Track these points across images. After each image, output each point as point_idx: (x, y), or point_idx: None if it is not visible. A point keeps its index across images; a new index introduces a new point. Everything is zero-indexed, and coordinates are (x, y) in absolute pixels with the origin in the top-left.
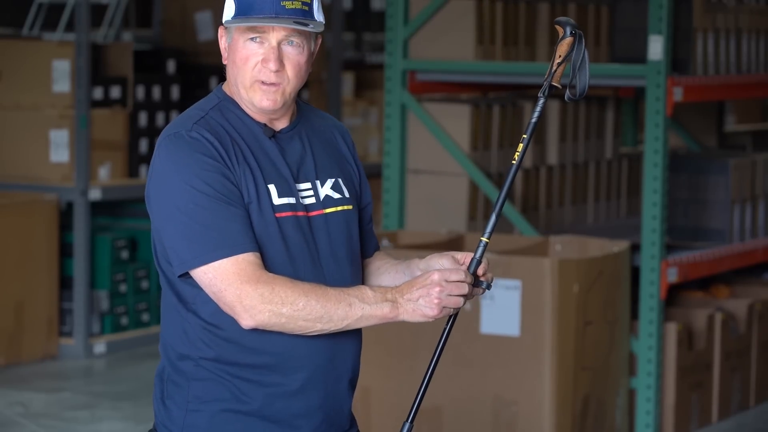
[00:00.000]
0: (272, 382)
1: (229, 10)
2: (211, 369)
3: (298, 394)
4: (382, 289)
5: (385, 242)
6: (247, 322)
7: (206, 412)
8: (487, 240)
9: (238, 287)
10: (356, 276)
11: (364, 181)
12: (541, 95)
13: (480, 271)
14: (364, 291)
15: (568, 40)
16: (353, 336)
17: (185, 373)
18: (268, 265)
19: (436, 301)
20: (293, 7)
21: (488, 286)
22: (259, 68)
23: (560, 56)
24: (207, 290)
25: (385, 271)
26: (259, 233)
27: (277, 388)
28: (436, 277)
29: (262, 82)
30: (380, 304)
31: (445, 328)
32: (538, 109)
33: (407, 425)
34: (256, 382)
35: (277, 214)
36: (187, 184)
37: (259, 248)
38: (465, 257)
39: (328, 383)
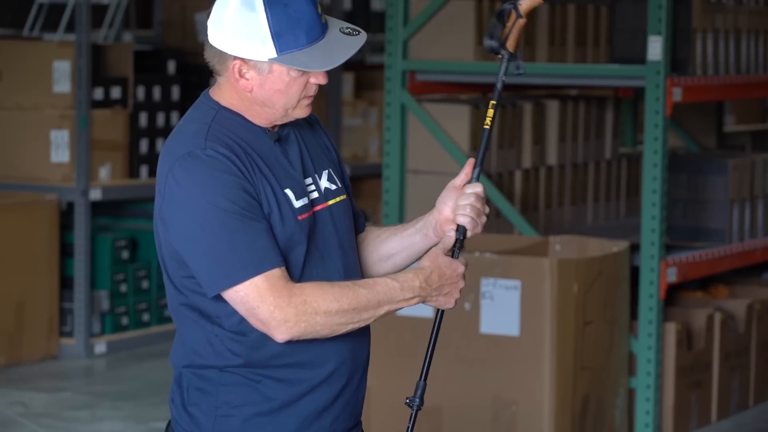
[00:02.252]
0: (301, 379)
1: (261, 45)
2: (240, 374)
3: (323, 386)
4: (408, 276)
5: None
6: (282, 336)
7: (238, 417)
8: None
9: (272, 303)
10: (357, 262)
11: (342, 162)
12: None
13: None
14: (391, 285)
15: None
16: (365, 326)
17: (211, 380)
18: (293, 268)
19: (457, 296)
20: (320, 12)
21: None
22: (308, 87)
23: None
24: (238, 308)
25: (387, 237)
26: (284, 240)
27: (305, 384)
28: (461, 269)
29: (307, 97)
30: (408, 298)
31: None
32: (501, 72)
33: (421, 383)
34: (285, 381)
35: (299, 217)
36: (211, 205)
37: (283, 257)
38: (462, 179)
39: (350, 374)
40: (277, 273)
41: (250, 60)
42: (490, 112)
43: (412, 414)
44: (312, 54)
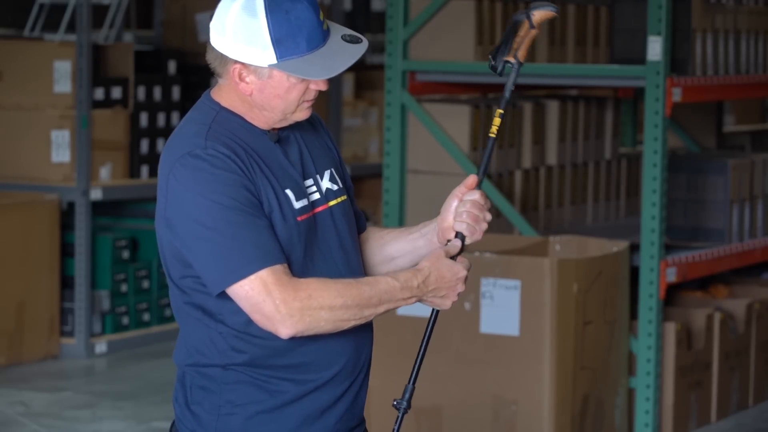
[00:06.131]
0: (306, 379)
1: (261, 50)
2: (243, 372)
3: (327, 386)
4: (407, 276)
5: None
6: (286, 330)
7: (240, 415)
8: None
9: (278, 297)
10: (361, 262)
11: (344, 163)
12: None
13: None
14: (392, 284)
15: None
16: (368, 326)
17: (214, 379)
18: (293, 268)
19: (454, 299)
20: (322, 19)
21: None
22: (308, 92)
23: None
24: (242, 304)
25: (391, 239)
26: (285, 240)
27: (309, 384)
28: (462, 273)
29: (307, 101)
30: (406, 297)
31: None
32: (510, 82)
33: (410, 387)
34: (289, 380)
35: (299, 218)
36: (213, 202)
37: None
38: (462, 190)
39: (354, 374)
40: (281, 268)
41: (250, 65)
42: (497, 120)
43: (398, 416)
44: (312, 61)
